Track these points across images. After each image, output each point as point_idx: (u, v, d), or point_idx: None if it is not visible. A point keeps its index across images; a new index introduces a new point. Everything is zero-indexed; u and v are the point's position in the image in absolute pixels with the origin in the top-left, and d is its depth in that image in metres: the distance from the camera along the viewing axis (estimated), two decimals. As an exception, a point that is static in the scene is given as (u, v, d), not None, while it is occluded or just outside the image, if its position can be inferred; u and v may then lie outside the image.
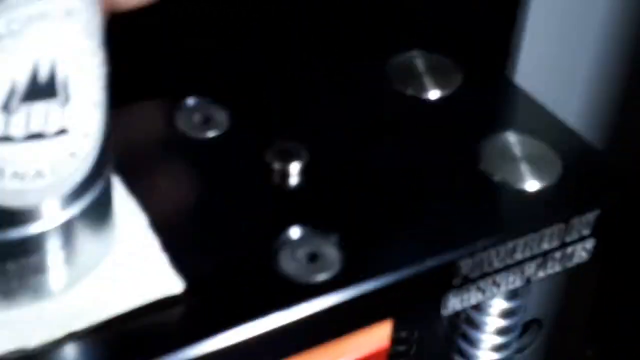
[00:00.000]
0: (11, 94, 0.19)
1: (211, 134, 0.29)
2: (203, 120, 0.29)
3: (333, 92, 0.31)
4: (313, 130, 0.29)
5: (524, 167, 0.28)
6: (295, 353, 0.24)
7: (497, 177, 0.28)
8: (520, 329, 0.35)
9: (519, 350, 0.50)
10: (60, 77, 0.19)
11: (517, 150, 0.29)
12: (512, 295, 0.30)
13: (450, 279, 0.26)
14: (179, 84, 0.30)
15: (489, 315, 0.30)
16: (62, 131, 0.20)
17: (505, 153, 0.29)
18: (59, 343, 0.22)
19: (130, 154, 0.27)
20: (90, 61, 0.20)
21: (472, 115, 0.31)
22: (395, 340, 0.27)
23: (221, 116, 0.29)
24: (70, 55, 0.20)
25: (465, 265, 0.26)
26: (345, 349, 0.25)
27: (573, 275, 0.48)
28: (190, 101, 0.29)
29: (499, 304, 0.30)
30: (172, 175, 0.28)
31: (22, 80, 0.19)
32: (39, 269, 0.21)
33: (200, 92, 0.30)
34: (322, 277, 0.24)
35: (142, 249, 0.24)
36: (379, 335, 0.26)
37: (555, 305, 0.49)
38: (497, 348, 0.31)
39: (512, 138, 0.29)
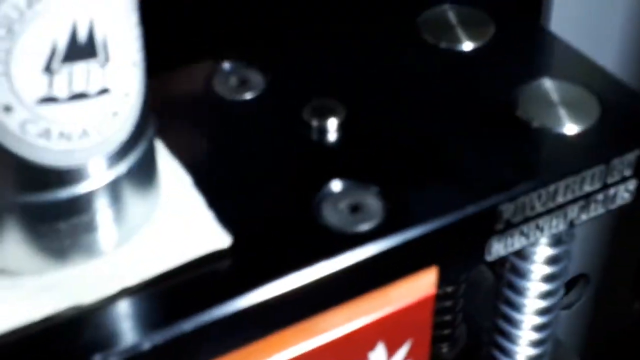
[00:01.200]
0: (53, 54, 0.19)
1: (248, 95, 0.29)
2: (240, 82, 0.29)
3: (366, 48, 0.31)
4: (348, 86, 0.29)
5: (562, 112, 0.28)
6: (341, 302, 0.25)
7: (536, 123, 0.28)
8: (567, 285, 0.35)
9: (567, 307, 0.50)
10: (99, 36, 0.20)
11: (554, 95, 0.29)
12: (556, 241, 0.30)
13: (493, 224, 0.26)
14: (214, 50, 0.30)
15: (534, 262, 0.30)
16: (104, 90, 0.21)
17: (543, 99, 0.29)
18: (112, 299, 0.23)
19: (171, 117, 0.28)
20: (126, 21, 0.21)
21: (507, 64, 0.31)
22: (442, 295, 0.27)
23: (257, 78, 0.29)
24: (108, 15, 0.20)
25: (507, 210, 0.26)
26: (391, 297, 0.26)
27: (619, 228, 0.48)
28: (227, 65, 0.30)
29: (543, 250, 0.30)
30: (213, 136, 0.28)
31: (62, 41, 0.19)
32: (89, 227, 0.22)
33: (235, 56, 0.30)
34: (364, 227, 0.25)
35: (188, 207, 0.25)
36: (425, 283, 0.26)
37: (602, 260, 0.49)
38: (544, 295, 0.31)
39: (548, 84, 0.29)
